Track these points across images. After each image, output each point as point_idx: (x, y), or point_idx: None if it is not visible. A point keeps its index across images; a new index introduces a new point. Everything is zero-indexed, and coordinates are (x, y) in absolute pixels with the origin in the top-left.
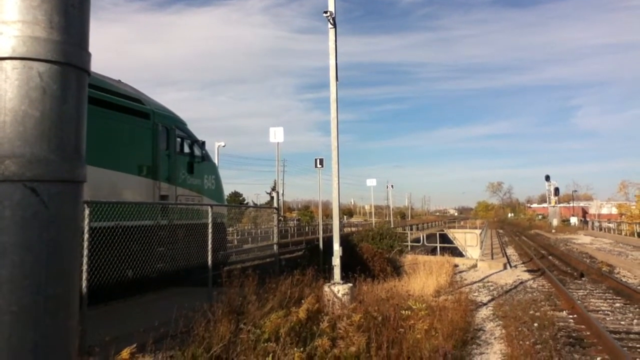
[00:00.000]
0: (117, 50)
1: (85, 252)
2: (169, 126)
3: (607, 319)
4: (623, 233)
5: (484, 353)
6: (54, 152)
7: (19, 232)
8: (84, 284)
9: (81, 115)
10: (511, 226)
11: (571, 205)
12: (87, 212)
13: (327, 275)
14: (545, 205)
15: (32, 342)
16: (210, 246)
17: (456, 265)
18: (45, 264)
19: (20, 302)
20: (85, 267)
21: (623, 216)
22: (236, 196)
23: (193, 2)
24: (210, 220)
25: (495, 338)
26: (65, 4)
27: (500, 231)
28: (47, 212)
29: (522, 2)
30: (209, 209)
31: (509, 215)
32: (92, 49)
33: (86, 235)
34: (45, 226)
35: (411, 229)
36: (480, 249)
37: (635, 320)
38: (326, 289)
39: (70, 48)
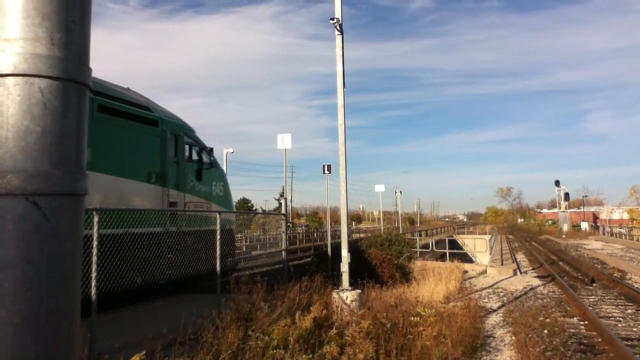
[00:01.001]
0: (127, 58)
1: (95, 259)
2: (177, 133)
3: (619, 325)
4: (635, 238)
5: None
6: (55, 166)
7: (20, 245)
8: (93, 291)
9: (82, 129)
10: (521, 232)
11: (581, 210)
12: (96, 219)
13: (336, 281)
14: (555, 210)
15: (35, 353)
16: (218, 253)
17: (465, 272)
18: (47, 277)
19: (22, 314)
20: (94, 275)
21: (634, 221)
22: (244, 202)
23: (201, 10)
24: (218, 226)
25: (505, 345)
26: (66, 21)
27: (510, 237)
28: (48, 225)
29: (530, 6)
30: (217, 216)
31: (519, 220)
32: (101, 57)
33: (95, 243)
34: (47, 239)
35: (420, 235)
36: (490, 254)
37: None
38: (334, 295)
39: (71, 64)
